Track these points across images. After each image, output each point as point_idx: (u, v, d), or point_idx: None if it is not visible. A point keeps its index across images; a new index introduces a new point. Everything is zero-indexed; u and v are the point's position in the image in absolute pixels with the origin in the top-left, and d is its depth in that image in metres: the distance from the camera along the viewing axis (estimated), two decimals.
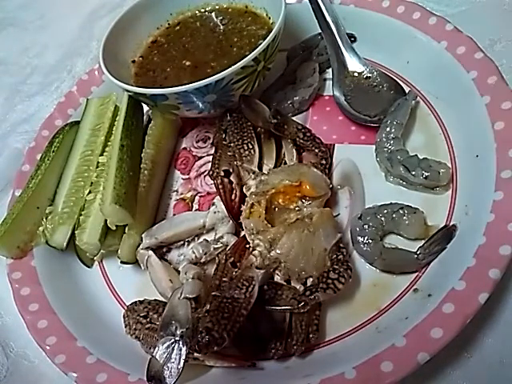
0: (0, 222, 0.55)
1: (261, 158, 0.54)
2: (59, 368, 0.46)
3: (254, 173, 0.52)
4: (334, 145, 0.57)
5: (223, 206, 0.52)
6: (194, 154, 0.62)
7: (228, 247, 0.49)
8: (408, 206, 0.48)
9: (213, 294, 0.43)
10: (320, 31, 0.63)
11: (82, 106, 0.65)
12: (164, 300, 0.48)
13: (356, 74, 0.60)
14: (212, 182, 0.54)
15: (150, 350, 0.45)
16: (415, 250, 0.46)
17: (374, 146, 0.54)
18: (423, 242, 0.47)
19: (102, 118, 0.61)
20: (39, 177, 0.57)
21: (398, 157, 0.51)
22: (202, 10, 0.66)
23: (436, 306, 0.41)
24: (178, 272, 0.50)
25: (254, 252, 0.46)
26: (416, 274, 0.46)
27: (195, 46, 0.62)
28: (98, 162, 0.57)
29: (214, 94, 0.52)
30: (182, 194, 0.59)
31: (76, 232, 0.53)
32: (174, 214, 0.57)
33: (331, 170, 0.54)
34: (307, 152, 0.54)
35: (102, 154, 0.58)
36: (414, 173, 0.50)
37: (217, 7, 0.66)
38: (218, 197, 0.53)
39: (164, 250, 0.53)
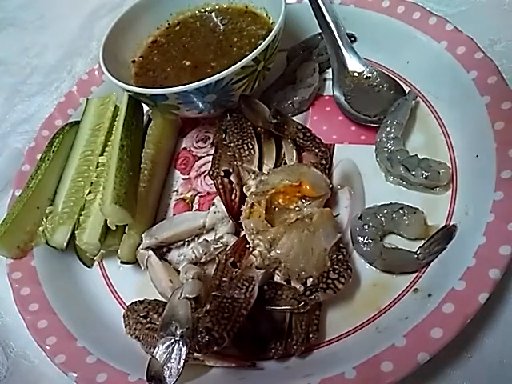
0: (0, 222, 0.55)
1: (261, 158, 0.54)
2: (59, 368, 0.45)
3: (253, 173, 0.52)
4: (333, 145, 0.57)
5: (223, 206, 0.52)
6: (194, 153, 0.62)
7: (228, 247, 0.49)
8: (408, 206, 0.48)
9: (213, 294, 0.43)
10: (320, 31, 0.63)
11: (82, 106, 0.65)
12: (164, 300, 0.48)
13: (356, 74, 0.60)
14: (212, 181, 0.54)
15: (149, 349, 0.45)
16: (415, 250, 0.46)
17: (373, 146, 0.54)
18: (423, 241, 0.47)
19: (101, 118, 0.61)
20: (39, 177, 0.57)
21: (398, 157, 0.51)
22: (202, 10, 0.66)
23: (436, 306, 0.41)
24: (178, 272, 0.50)
25: (254, 252, 0.46)
26: (416, 274, 0.46)
27: (195, 46, 0.62)
28: (98, 162, 0.57)
29: (214, 94, 0.52)
30: (181, 194, 0.59)
31: (76, 232, 0.53)
32: (174, 214, 0.57)
33: (331, 169, 0.54)
34: (307, 152, 0.54)
35: (101, 154, 0.58)
36: (413, 173, 0.50)
37: (217, 7, 0.66)
38: (218, 197, 0.53)
39: (164, 249, 0.53)
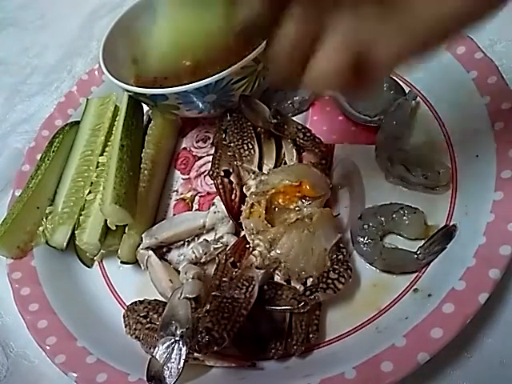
0: (0, 222, 0.55)
1: (261, 158, 0.54)
2: (59, 368, 0.45)
3: (254, 173, 0.52)
4: (333, 145, 0.57)
5: (223, 206, 0.52)
6: (194, 153, 0.62)
7: (228, 247, 0.49)
8: (408, 206, 0.48)
9: (213, 294, 0.43)
10: None
11: (82, 106, 0.65)
12: (164, 300, 0.48)
13: None
14: (212, 181, 0.54)
15: (150, 349, 0.45)
16: (415, 250, 0.46)
17: (373, 146, 0.54)
18: (423, 241, 0.47)
19: (102, 118, 0.61)
20: (39, 177, 0.57)
21: (398, 157, 0.51)
22: None
23: (436, 306, 0.41)
24: (178, 272, 0.50)
25: (254, 252, 0.46)
26: (416, 273, 0.46)
27: None
28: (98, 162, 0.57)
29: (214, 94, 0.52)
30: (182, 194, 0.59)
31: (76, 232, 0.53)
32: (174, 214, 0.57)
33: (331, 169, 0.54)
34: (307, 152, 0.54)
35: (101, 154, 0.58)
36: (413, 173, 0.50)
37: None
38: (218, 197, 0.53)
39: (164, 249, 0.53)
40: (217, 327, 0.40)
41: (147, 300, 0.48)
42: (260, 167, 0.53)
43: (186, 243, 0.53)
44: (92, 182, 0.56)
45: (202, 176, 0.60)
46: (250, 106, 0.54)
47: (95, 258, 0.55)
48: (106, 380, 0.44)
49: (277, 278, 0.46)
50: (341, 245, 0.47)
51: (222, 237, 0.51)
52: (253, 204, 0.49)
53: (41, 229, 0.55)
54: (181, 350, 0.40)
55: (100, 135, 0.59)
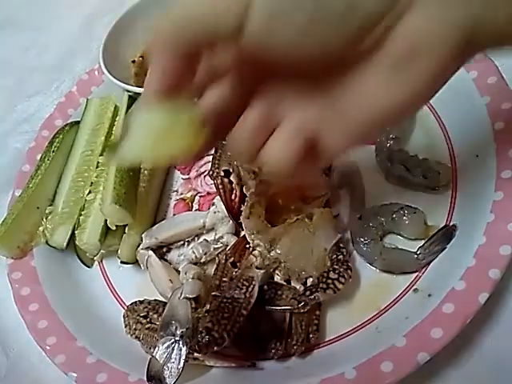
0: (0, 222, 0.55)
1: None
2: (59, 368, 0.45)
3: (253, 173, 0.52)
4: None
5: (223, 206, 0.52)
6: None
7: (228, 247, 0.49)
8: (408, 206, 0.48)
9: (213, 294, 0.43)
10: None
11: (82, 106, 0.65)
12: (164, 300, 0.48)
13: None
14: (212, 181, 0.54)
15: (149, 349, 0.45)
16: (415, 250, 0.46)
17: (373, 146, 0.54)
18: (423, 241, 0.47)
19: (102, 118, 0.61)
20: (39, 177, 0.57)
21: (398, 157, 0.51)
22: None
23: (436, 306, 0.41)
24: (178, 272, 0.50)
25: (254, 252, 0.46)
26: (416, 273, 0.46)
27: None
28: (98, 162, 0.57)
29: None
30: (181, 194, 0.59)
31: (76, 232, 0.53)
32: (174, 214, 0.57)
33: (331, 169, 0.54)
34: None
35: (101, 154, 0.58)
36: (413, 173, 0.50)
37: None
38: (218, 197, 0.53)
39: (164, 249, 0.53)
40: (217, 327, 0.40)
41: (147, 300, 0.48)
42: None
43: (186, 243, 0.53)
44: (92, 182, 0.56)
45: (202, 176, 0.60)
46: None
47: (95, 258, 0.55)
48: (106, 380, 0.44)
49: (277, 278, 0.46)
50: (341, 245, 0.47)
51: (221, 237, 0.51)
52: (253, 204, 0.49)
53: (41, 229, 0.55)
54: (181, 350, 0.40)
55: (100, 135, 0.59)
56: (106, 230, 0.52)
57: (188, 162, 0.47)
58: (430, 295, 0.43)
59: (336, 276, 0.44)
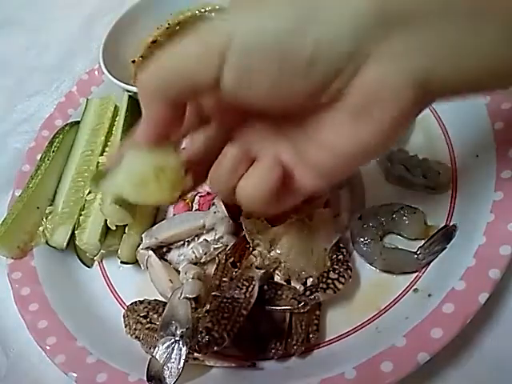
0: (0, 222, 0.55)
1: None
2: (59, 368, 0.45)
3: None
4: None
5: (223, 206, 0.52)
6: None
7: (228, 247, 0.49)
8: (408, 206, 0.48)
9: (213, 294, 0.43)
10: None
11: (82, 106, 0.65)
12: (164, 300, 0.48)
13: None
14: None
15: (150, 349, 0.45)
16: (415, 250, 0.46)
17: None
18: (423, 241, 0.47)
19: (102, 118, 0.61)
20: (39, 177, 0.57)
21: (398, 157, 0.51)
22: (202, 10, 0.66)
23: (436, 306, 0.41)
24: (178, 272, 0.50)
25: (254, 252, 0.46)
26: (416, 274, 0.46)
27: None
28: (98, 162, 0.57)
29: None
30: None
31: (76, 232, 0.53)
32: (174, 214, 0.57)
33: None
34: None
35: (101, 154, 0.58)
36: (413, 173, 0.50)
37: (217, 7, 0.66)
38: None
39: (164, 249, 0.53)
40: (217, 327, 0.40)
41: (147, 300, 0.48)
42: None
43: (186, 243, 0.53)
44: None
45: None
46: None
47: (95, 258, 0.55)
48: (106, 380, 0.44)
49: (277, 278, 0.46)
50: (341, 245, 0.47)
51: (221, 237, 0.51)
52: None
53: (41, 229, 0.55)
54: (181, 350, 0.40)
55: (100, 135, 0.59)
56: (106, 230, 0.52)
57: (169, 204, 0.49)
58: (429, 295, 0.43)
59: (336, 276, 0.44)
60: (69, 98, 0.68)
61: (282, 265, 0.46)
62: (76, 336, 0.48)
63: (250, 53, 0.28)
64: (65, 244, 0.53)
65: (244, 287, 0.43)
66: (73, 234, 0.53)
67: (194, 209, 0.57)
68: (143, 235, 0.52)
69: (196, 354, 0.42)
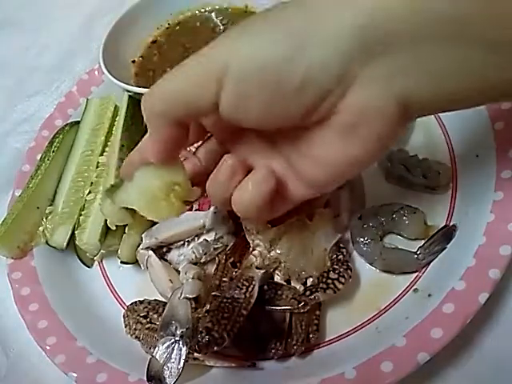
0: (0, 222, 0.55)
1: None
2: (59, 368, 0.45)
3: None
4: None
5: None
6: None
7: (228, 247, 0.49)
8: (408, 206, 0.48)
9: (213, 294, 0.43)
10: None
11: (82, 106, 0.65)
12: (164, 300, 0.48)
13: None
14: None
15: (150, 349, 0.45)
16: (415, 250, 0.46)
17: None
18: (423, 241, 0.47)
19: (102, 118, 0.61)
20: (39, 177, 0.57)
21: (398, 157, 0.51)
22: (202, 10, 0.66)
23: (436, 306, 0.41)
24: (178, 272, 0.50)
25: (254, 252, 0.46)
26: (416, 273, 0.46)
27: (195, 46, 0.62)
28: (98, 162, 0.57)
29: None
30: None
31: (76, 232, 0.53)
32: None
33: None
34: None
35: (101, 154, 0.58)
36: (413, 173, 0.50)
37: (217, 7, 0.66)
38: None
39: (164, 249, 0.53)
40: (217, 327, 0.40)
41: (147, 300, 0.48)
42: None
43: (186, 243, 0.53)
44: (92, 182, 0.56)
45: None
46: None
47: (95, 258, 0.55)
48: (106, 380, 0.44)
49: (277, 278, 0.46)
50: (341, 245, 0.47)
51: (221, 237, 0.51)
52: None
53: (41, 229, 0.55)
54: (181, 350, 0.40)
55: (100, 135, 0.59)
56: (106, 230, 0.52)
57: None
58: (429, 295, 0.43)
59: (336, 276, 0.44)
60: (69, 98, 0.68)
61: (282, 265, 0.46)
62: (76, 336, 0.48)
63: (245, 79, 0.30)
64: (65, 244, 0.53)
65: (244, 287, 0.42)
66: (73, 234, 0.53)
67: (194, 209, 0.57)
68: (143, 235, 0.52)
69: (196, 354, 0.42)
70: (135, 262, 0.52)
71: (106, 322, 0.51)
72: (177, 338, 0.40)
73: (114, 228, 0.51)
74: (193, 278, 0.46)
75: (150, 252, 0.51)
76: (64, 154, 0.59)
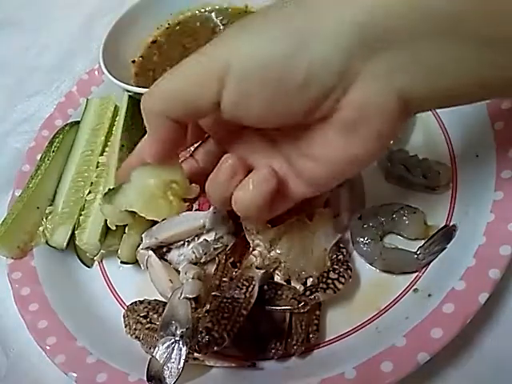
0: (0, 222, 0.55)
1: None
2: (59, 368, 0.45)
3: None
4: None
5: None
6: None
7: (228, 247, 0.49)
8: (408, 206, 0.48)
9: (213, 294, 0.43)
10: None
11: (82, 106, 0.65)
12: (164, 300, 0.48)
13: None
14: None
15: (150, 349, 0.45)
16: (415, 250, 0.46)
17: None
18: (423, 241, 0.47)
19: (102, 118, 0.61)
20: (39, 177, 0.57)
21: (398, 157, 0.51)
22: (202, 10, 0.66)
23: (436, 306, 0.41)
24: (178, 272, 0.50)
25: (254, 252, 0.46)
26: (416, 273, 0.46)
27: (195, 46, 0.62)
28: (98, 162, 0.57)
29: None
30: None
31: (76, 232, 0.53)
32: None
33: None
34: None
35: (101, 154, 0.58)
36: (413, 173, 0.50)
37: (216, 7, 0.66)
38: None
39: (164, 249, 0.53)
40: (217, 327, 0.40)
41: (147, 300, 0.48)
42: None
43: (186, 243, 0.53)
44: (92, 182, 0.56)
45: None
46: None
47: (95, 258, 0.55)
48: (106, 380, 0.44)
49: (277, 278, 0.46)
50: (341, 245, 0.47)
51: (221, 237, 0.51)
52: None
53: (41, 229, 0.55)
54: (181, 350, 0.40)
55: (100, 135, 0.59)
56: (106, 230, 0.52)
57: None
58: (429, 295, 0.43)
59: (336, 276, 0.44)
60: (69, 98, 0.68)
61: (282, 265, 0.46)
62: (76, 336, 0.48)
63: (247, 78, 0.30)
64: (65, 244, 0.53)
65: (244, 287, 0.42)
66: (73, 234, 0.53)
67: (194, 209, 0.57)
68: (143, 235, 0.52)
69: (196, 354, 0.42)
70: (135, 262, 0.52)
71: (105, 322, 0.51)
72: (177, 338, 0.40)
73: (114, 228, 0.51)
74: (193, 278, 0.46)
75: (150, 252, 0.51)
76: (64, 154, 0.59)
